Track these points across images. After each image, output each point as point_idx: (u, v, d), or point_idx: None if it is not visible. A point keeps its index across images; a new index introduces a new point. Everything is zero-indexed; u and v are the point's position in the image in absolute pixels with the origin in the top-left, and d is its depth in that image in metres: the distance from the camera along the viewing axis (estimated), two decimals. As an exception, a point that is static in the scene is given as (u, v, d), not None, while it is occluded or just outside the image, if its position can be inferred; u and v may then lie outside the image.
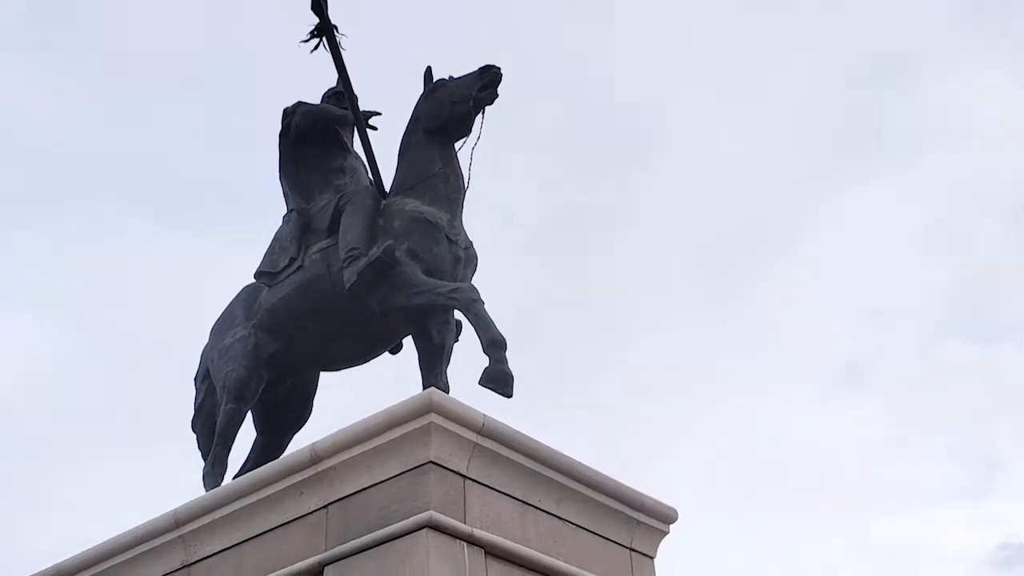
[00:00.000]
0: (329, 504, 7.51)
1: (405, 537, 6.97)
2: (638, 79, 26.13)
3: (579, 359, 25.23)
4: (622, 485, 8.30)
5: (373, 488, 7.33)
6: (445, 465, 7.20)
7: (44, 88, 25.24)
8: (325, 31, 9.10)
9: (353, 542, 7.20)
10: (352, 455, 7.43)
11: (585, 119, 25.89)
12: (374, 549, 7.09)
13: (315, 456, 7.59)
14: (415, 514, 6.98)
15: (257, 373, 9.25)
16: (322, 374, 9.80)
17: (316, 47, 9.13)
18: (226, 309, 9.69)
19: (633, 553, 8.36)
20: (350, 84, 9.31)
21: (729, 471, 25.84)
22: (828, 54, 26.77)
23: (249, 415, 9.58)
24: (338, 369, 9.62)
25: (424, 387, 8.66)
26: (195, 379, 9.88)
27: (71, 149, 25.30)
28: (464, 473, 7.31)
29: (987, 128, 26.53)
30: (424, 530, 6.91)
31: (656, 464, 24.80)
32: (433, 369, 8.83)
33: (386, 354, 9.62)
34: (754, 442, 26.17)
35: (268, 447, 9.58)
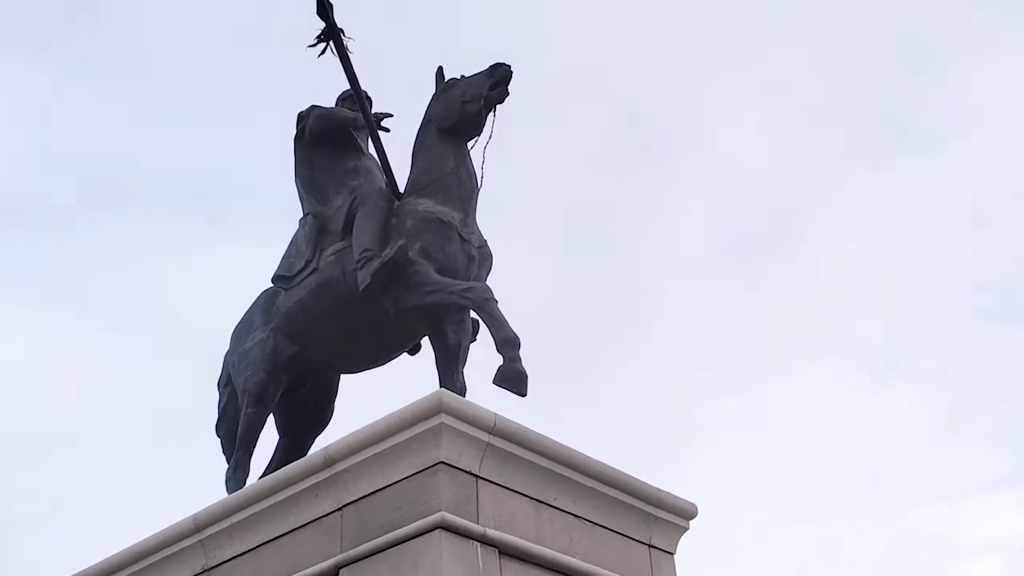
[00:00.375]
0: (344, 506, 7.53)
1: (418, 538, 6.98)
2: (662, 69, 26.06)
3: (607, 353, 25.18)
4: (639, 481, 8.27)
5: (386, 489, 7.34)
6: (456, 465, 7.21)
7: (86, 97, 25.49)
8: (332, 35, 9.15)
9: (367, 544, 7.21)
10: (365, 457, 7.45)
11: (608, 111, 25.83)
12: (388, 551, 7.11)
13: (329, 459, 7.61)
14: (427, 515, 6.98)
15: (276, 377, 9.30)
16: (344, 376, 9.84)
17: (323, 51, 9.17)
18: (246, 313, 9.76)
19: (652, 550, 8.33)
20: (359, 86, 9.35)
21: (762, 465, 25.70)
22: (855, 40, 26.57)
23: (272, 418, 9.64)
24: (358, 371, 9.65)
25: (441, 387, 8.69)
26: (218, 383, 9.94)
27: (119, 160, 25.55)
28: (476, 473, 7.30)
29: (1017, 113, 26.27)
30: (436, 531, 6.91)
31: (687, 459, 24.71)
32: (450, 369, 8.86)
33: (406, 355, 9.63)
34: (787, 434, 26.04)
35: (290, 449, 9.62)
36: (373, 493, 7.40)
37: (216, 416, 9.89)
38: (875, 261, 26.68)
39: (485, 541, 7.13)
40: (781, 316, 26.19)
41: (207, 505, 8.30)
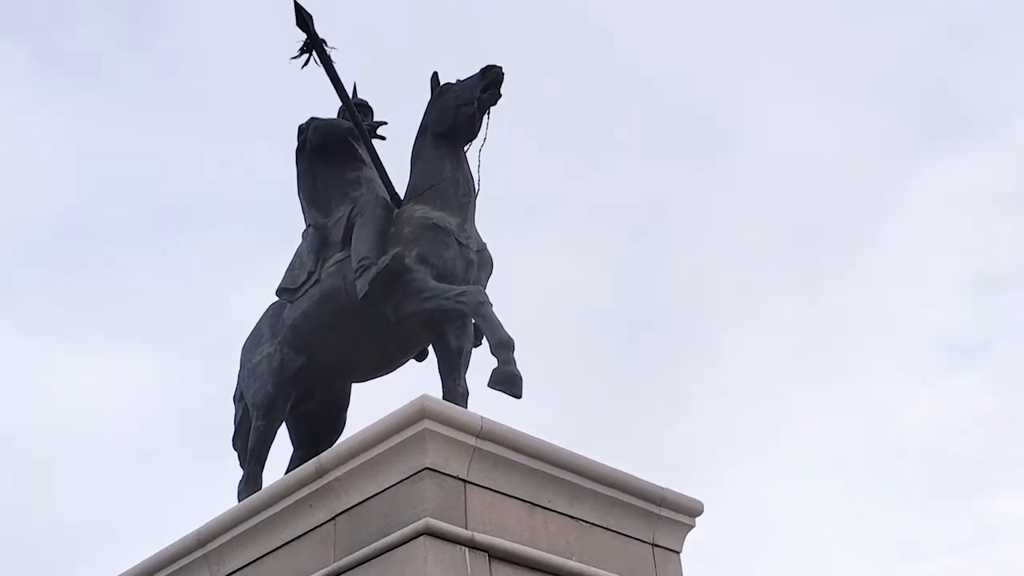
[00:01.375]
0: (337, 516, 7.53)
1: (404, 545, 6.95)
2: (715, 58, 25.76)
3: (667, 352, 24.97)
4: (641, 480, 8.18)
5: (376, 497, 7.33)
6: (443, 471, 7.17)
7: (137, 121, 25.96)
8: (314, 45, 9.18)
9: (357, 553, 7.20)
10: (355, 466, 7.44)
11: (660, 102, 25.60)
12: (376, 559, 7.08)
13: (321, 469, 7.62)
14: (412, 522, 6.95)
15: (284, 390, 9.34)
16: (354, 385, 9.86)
17: (307, 62, 9.21)
18: (255, 327, 9.82)
19: (656, 548, 8.22)
20: (346, 94, 9.39)
21: (836, 457, 25.29)
22: (911, 24, 26.05)
23: (285, 429, 9.69)
24: (366, 379, 9.68)
25: (443, 392, 8.75)
26: (234, 398, 10.01)
27: (174, 183, 25.98)
28: (464, 477, 7.27)
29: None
30: (421, 537, 6.87)
31: (758, 455, 24.44)
32: (452, 374, 8.85)
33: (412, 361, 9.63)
34: (860, 425, 25.57)
35: (304, 460, 9.56)
36: (364, 502, 7.39)
37: (232, 430, 9.95)
38: (942, 244, 26.16)
39: (473, 545, 7.07)
40: (847, 306, 25.76)
41: (210, 519, 8.34)
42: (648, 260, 25.15)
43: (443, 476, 7.16)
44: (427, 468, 7.10)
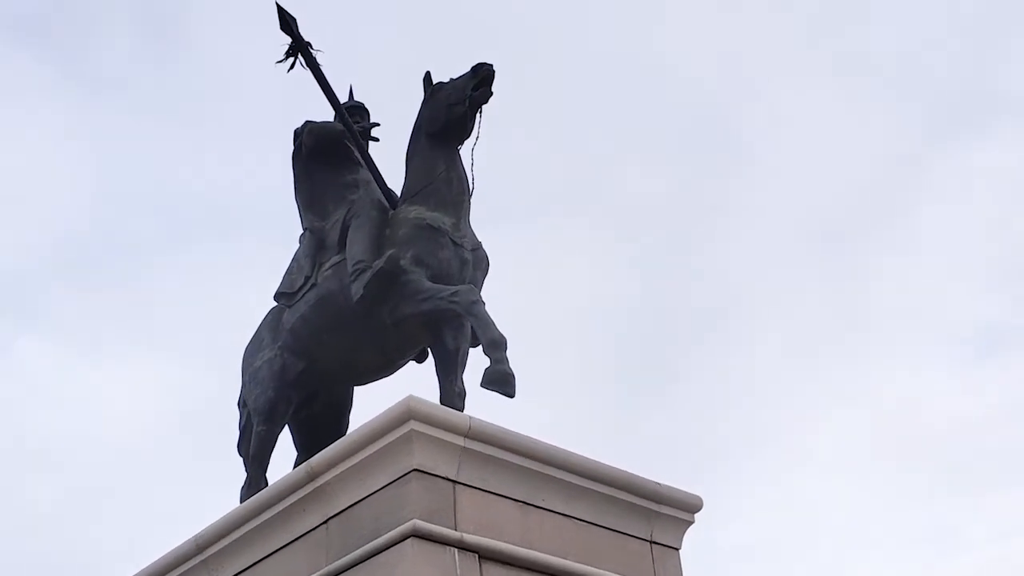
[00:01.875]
0: (329, 519, 7.53)
1: (392, 548, 6.93)
2: (739, 51, 25.51)
3: (697, 349, 24.79)
4: (637, 477, 8.12)
5: (366, 500, 7.33)
6: (432, 472, 7.14)
7: (160, 133, 26.13)
8: (299, 48, 9.16)
9: (347, 556, 7.18)
10: (344, 469, 7.44)
11: (679, 98, 25.39)
12: (365, 563, 7.07)
13: (312, 472, 7.61)
14: (400, 524, 6.92)
15: (285, 394, 9.33)
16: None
17: (292, 66, 9.19)
18: (255, 333, 9.82)
19: (654, 546, 8.17)
20: (335, 97, 9.35)
21: (868, 448, 24.99)
22: (931, 8, 25.69)
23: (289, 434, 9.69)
24: (366, 382, 9.65)
25: (440, 394, 8.71)
26: (238, 403, 10.02)
27: (198, 194, 26.11)
28: (454, 479, 7.24)
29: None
30: (408, 540, 6.84)
31: (791, 451, 24.19)
32: (449, 375, 8.80)
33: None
34: (893, 416, 25.27)
35: (309, 465, 9.65)
36: (354, 505, 7.38)
37: (237, 435, 9.96)
38: (975, 230, 25.75)
39: (462, 546, 7.04)
40: (876, 299, 25.43)
41: (208, 525, 8.35)
42: (673, 260, 24.98)
43: (432, 477, 7.13)
44: (415, 470, 7.07)
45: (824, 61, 25.80)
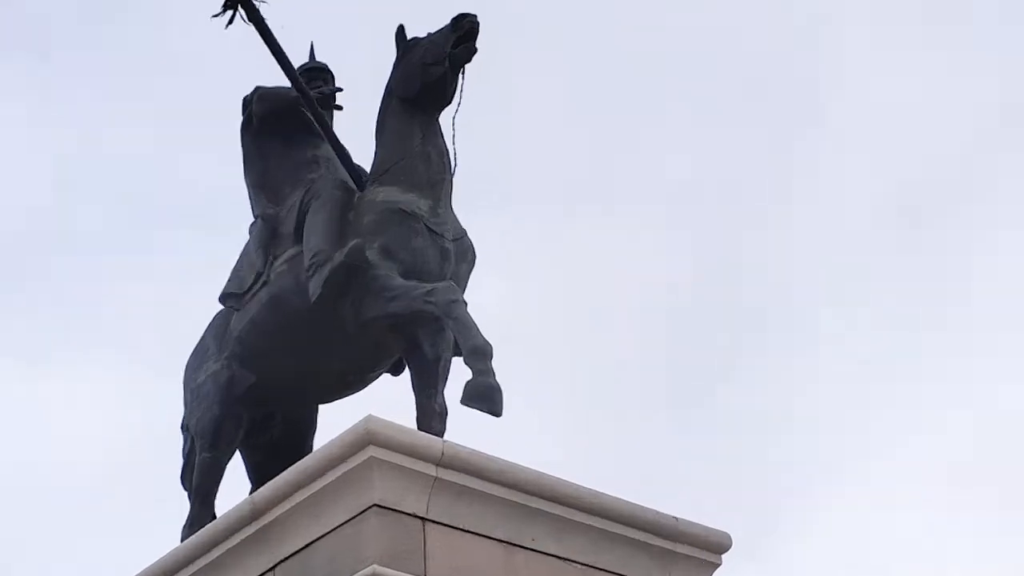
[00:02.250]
0: (277, 564, 6.52)
1: (349, 600, 5.87)
2: (805, 16, 23.54)
3: (757, 350, 22.98)
4: (649, 510, 6.97)
5: (320, 541, 6.37)
6: (396, 508, 6.15)
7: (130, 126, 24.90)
8: (240, 1, 7.97)
9: (300, 609, 6.14)
10: (294, 504, 6.41)
11: (741, 66, 23.54)
12: (321, 616, 6.03)
13: (256, 509, 6.59)
14: (358, 569, 5.93)
15: (234, 413, 8.07)
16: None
17: (231, 21, 7.97)
18: (199, 342, 8.56)
19: (672, 593, 6.95)
20: (284, 55, 8.10)
21: (945, 460, 22.90)
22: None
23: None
24: (332, 399, 8.42)
25: (417, 410, 7.58)
26: (181, 426, 8.75)
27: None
28: (423, 515, 6.23)
29: None
30: (368, 589, 5.80)
31: (871, 476, 22.25)
32: (427, 390, 7.65)
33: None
34: (994, 438, 23.19)
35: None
36: (305, 547, 6.40)
37: (181, 465, 8.69)
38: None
39: (432, 597, 5.96)
40: (962, 292, 23.37)
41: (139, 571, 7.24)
42: (731, 246, 23.04)
43: (396, 514, 6.16)
44: (375, 505, 6.09)
45: (909, 16, 23.81)
